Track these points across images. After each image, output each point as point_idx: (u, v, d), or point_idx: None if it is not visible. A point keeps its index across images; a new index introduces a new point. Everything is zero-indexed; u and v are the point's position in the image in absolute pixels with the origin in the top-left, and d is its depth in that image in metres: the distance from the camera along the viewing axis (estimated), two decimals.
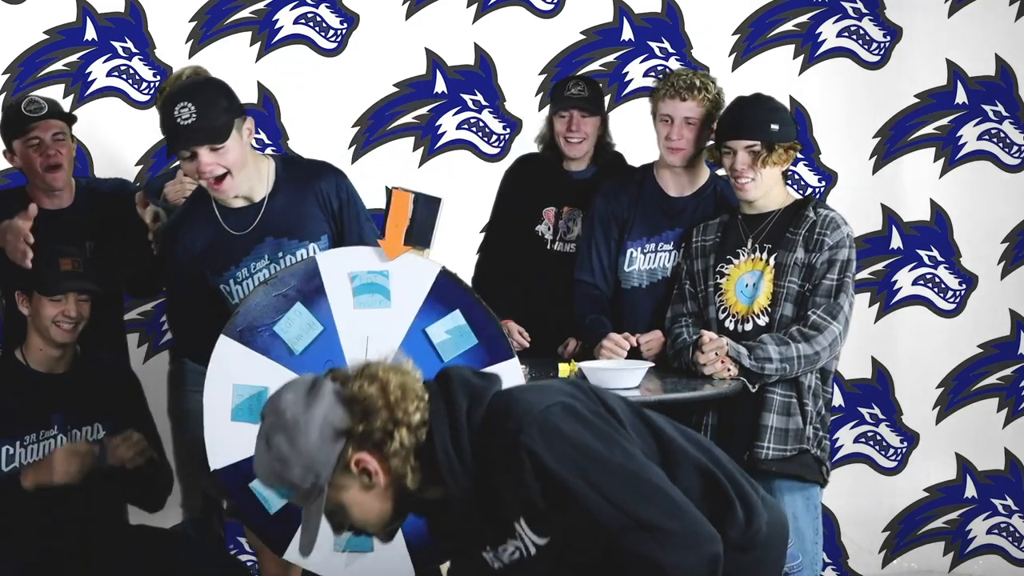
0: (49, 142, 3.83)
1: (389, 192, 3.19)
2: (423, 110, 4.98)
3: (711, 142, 3.83)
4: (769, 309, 3.65)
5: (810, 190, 5.06)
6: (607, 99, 4.98)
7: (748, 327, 3.66)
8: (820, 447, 3.68)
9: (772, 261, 3.66)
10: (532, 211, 4.24)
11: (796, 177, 5.03)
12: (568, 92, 4.16)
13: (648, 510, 2.12)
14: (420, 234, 3.15)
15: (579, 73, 4.45)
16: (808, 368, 3.60)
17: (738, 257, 3.73)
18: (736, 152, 3.65)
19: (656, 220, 3.95)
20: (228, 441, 3.13)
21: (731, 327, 3.68)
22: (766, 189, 3.69)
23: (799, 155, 4.00)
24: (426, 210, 3.14)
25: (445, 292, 3.15)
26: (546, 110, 4.34)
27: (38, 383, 3.62)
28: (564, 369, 3.54)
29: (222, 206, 3.44)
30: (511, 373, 3.12)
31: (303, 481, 2.17)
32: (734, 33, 5.08)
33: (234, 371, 3.13)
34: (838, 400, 5.04)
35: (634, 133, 4.93)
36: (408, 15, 4.95)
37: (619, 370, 3.47)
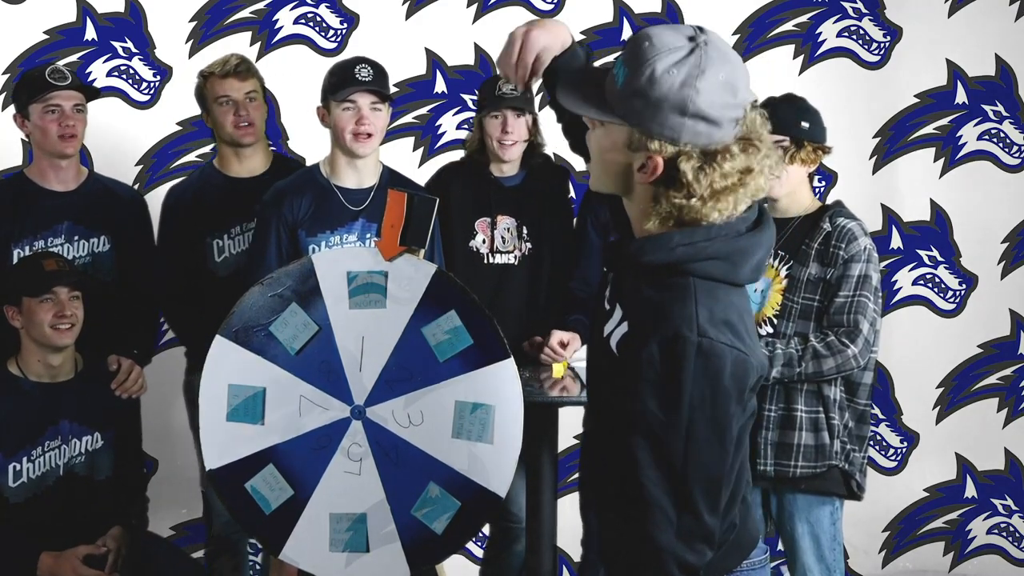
0: (68, 111, 3.85)
1: (386, 193, 3.19)
2: (423, 110, 4.98)
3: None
4: (774, 320, 3.57)
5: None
6: None
7: None
8: (848, 460, 3.59)
9: (784, 272, 3.58)
10: (464, 224, 4.07)
11: None
12: (500, 92, 4.02)
13: (696, 485, 2.04)
14: (416, 235, 3.15)
15: None
16: (808, 382, 3.53)
17: None
18: None
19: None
20: (224, 442, 3.14)
21: None
22: (790, 189, 3.61)
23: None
24: (422, 211, 3.14)
25: (441, 293, 3.16)
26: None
27: (38, 394, 3.64)
28: (558, 369, 3.54)
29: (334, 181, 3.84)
30: (506, 374, 3.13)
31: (634, 93, 2.03)
32: (734, 33, 5.08)
33: (230, 371, 3.14)
34: None
35: None
36: (408, 15, 4.95)
37: None
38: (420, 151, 4.98)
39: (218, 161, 4.17)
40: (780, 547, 3.96)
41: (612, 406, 2.14)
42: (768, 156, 2.08)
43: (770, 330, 3.57)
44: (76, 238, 3.91)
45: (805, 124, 3.60)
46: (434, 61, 4.96)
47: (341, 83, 3.78)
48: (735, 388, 2.04)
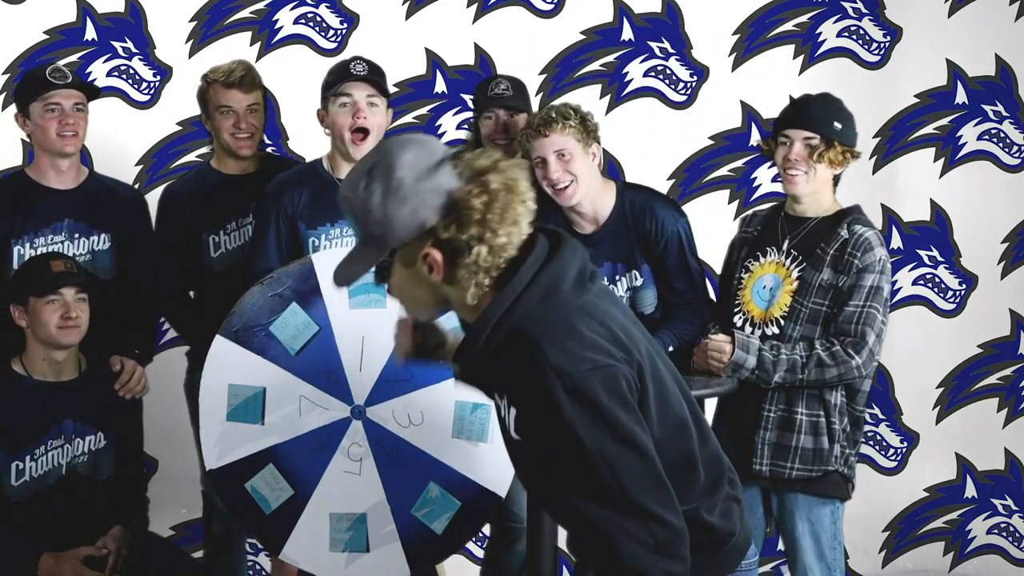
0: (68, 110, 3.85)
1: None
2: (423, 110, 4.98)
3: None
4: (781, 321, 3.55)
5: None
6: (607, 100, 4.98)
7: (757, 334, 3.56)
8: (847, 464, 3.59)
9: (796, 273, 3.56)
10: None
11: None
12: (492, 92, 4.05)
13: (644, 498, 2.08)
14: None
15: (503, 73, 4.27)
16: (808, 388, 3.53)
17: (765, 255, 3.64)
18: (793, 142, 3.56)
19: None
20: (224, 442, 3.14)
21: (740, 328, 3.60)
22: (815, 188, 3.59)
23: None
24: None
25: None
26: None
27: (41, 393, 3.64)
28: None
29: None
30: None
31: (372, 230, 2.13)
32: (734, 33, 5.08)
33: (230, 371, 3.14)
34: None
35: (633, 134, 4.95)
36: (408, 15, 4.95)
37: None
38: None
39: (215, 160, 4.20)
40: (780, 547, 3.96)
41: (540, 483, 2.20)
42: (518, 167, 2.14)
43: (775, 330, 3.55)
44: (77, 235, 3.91)
45: (838, 124, 3.57)
46: (434, 61, 4.96)
47: (337, 80, 3.79)
48: (617, 400, 2.09)
